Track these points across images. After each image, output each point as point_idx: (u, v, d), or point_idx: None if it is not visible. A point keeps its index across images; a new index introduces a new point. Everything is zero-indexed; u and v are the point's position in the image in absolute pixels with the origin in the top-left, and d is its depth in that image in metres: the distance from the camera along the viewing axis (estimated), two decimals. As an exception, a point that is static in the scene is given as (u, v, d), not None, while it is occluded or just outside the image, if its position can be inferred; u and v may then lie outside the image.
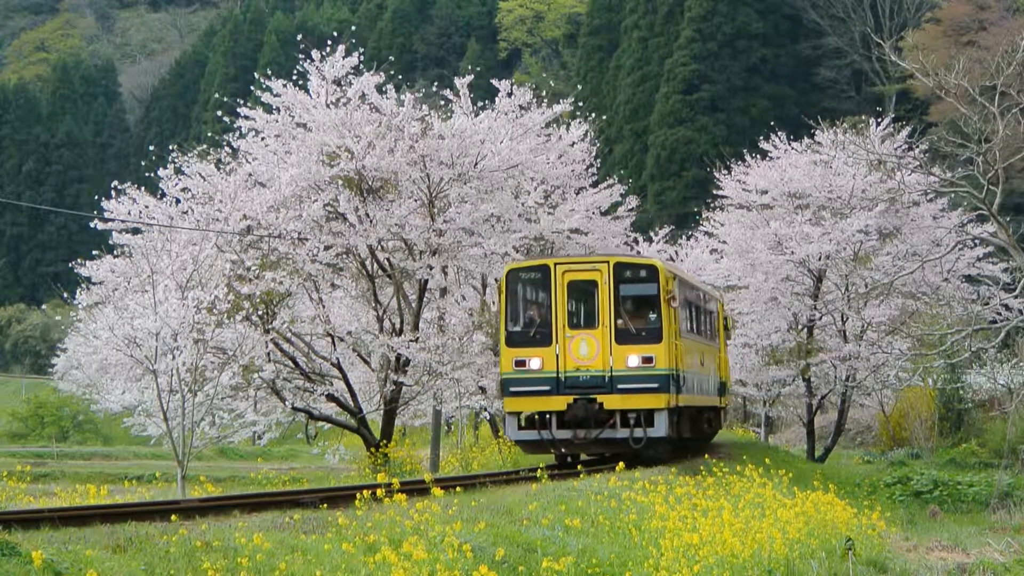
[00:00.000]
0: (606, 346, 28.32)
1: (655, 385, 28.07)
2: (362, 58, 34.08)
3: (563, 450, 28.88)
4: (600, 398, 28.16)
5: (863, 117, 47.87)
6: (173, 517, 13.88)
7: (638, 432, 28.09)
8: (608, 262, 28.68)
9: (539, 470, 22.90)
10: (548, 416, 28.51)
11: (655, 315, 28.61)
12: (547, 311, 28.71)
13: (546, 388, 28.37)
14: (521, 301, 29.27)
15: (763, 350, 46.63)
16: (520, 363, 28.55)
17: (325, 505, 16.28)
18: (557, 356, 28.46)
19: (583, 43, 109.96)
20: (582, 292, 28.91)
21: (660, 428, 28.14)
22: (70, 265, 34.91)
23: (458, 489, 20.56)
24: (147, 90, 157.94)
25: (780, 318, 45.17)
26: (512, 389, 28.65)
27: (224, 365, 29.48)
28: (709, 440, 38.81)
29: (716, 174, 47.02)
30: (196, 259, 28.74)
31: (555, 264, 28.87)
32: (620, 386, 28.15)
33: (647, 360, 28.22)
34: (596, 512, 19.86)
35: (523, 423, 28.82)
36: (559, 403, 28.28)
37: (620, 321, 28.37)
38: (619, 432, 28.09)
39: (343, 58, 33.51)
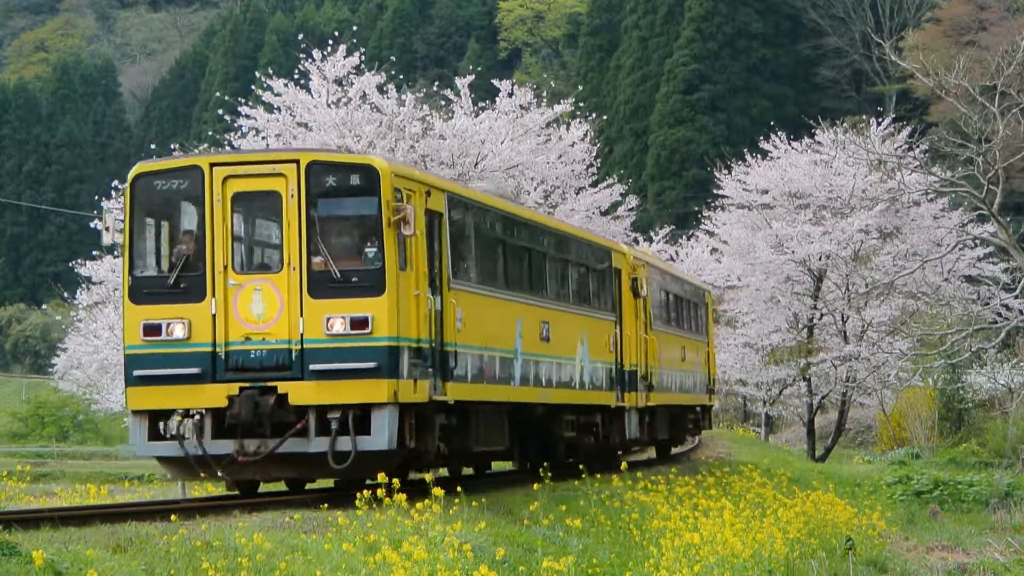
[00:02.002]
0: (294, 301, 18.15)
1: (372, 364, 17.83)
2: (363, 58, 34.10)
3: (220, 473, 18.25)
4: (284, 387, 17.94)
5: (863, 117, 47.93)
6: (173, 517, 13.88)
7: (343, 443, 17.65)
8: (298, 161, 18.47)
9: (541, 470, 22.89)
10: (198, 418, 18.26)
11: (375, 249, 18.30)
12: (198, 244, 18.51)
13: (194, 371, 18.13)
14: (155, 227, 19.25)
15: (763, 350, 46.64)
16: (152, 330, 18.31)
17: (325, 505, 16.28)
18: (214, 318, 18.15)
19: (583, 43, 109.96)
20: (256, 212, 19.13)
21: (381, 435, 17.82)
22: (70, 265, 34.93)
23: (459, 489, 20.56)
24: (147, 90, 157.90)
25: (780, 318, 45.17)
26: (138, 373, 18.32)
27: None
28: (688, 440, 37.60)
29: (716, 174, 47.02)
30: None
31: (211, 165, 18.61)
32: (316, 366, 17.97)
33: (359, 324, 17.97)
34: (597, 512, 19.86)
35: (157, 430, 18.42)
36: (215, 396, 17.99)
37: (318, 260, 18.20)
38: (314, 443, 17.86)
39: (344, 58, 33.53)
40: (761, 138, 47.61)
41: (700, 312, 36.36)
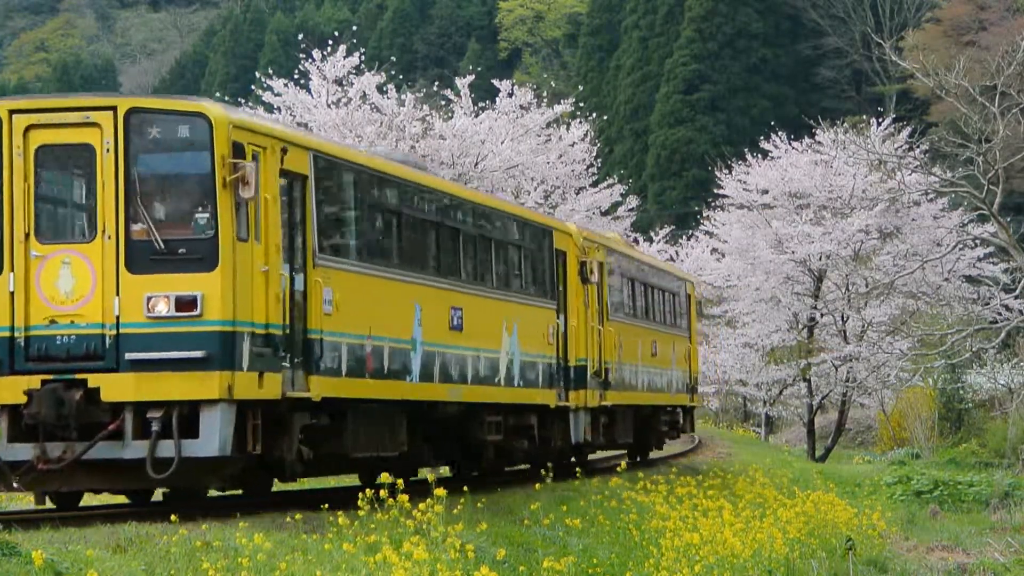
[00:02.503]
0: (109, 276, 15.28)
1: (200, 353, 15.04)
2: (363, 58, 34.12)
3: (16, 485, 15.44)
4: (95, 380, 15.14)
5: (863, 117, 47.98)
6: (173, 517, 13.88)
7: (165, 448, 14.91)
8: (115, 109, 15.55)
9: (542, 471, 22.90)
10: None
11: (207, 216, 15.32)
12: None
13: None
14: None
15: (763, 350, 46.67)
16: None
17: (326, 505, 16.29)
18: (12, 296, 15.33)
19: (583, 43, 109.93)
20: (65, 168, 16.07)
21: (211, 439, 14.94)
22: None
23: (464, 489, 20.56)
24: (147, 90, 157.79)
25: (780, 318, 45.21)
26: None
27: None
28: (668, 443, 35.01)
29: (717, 174, 47.07)
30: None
31: (11, 112, 15.66)
32: (133, 355, 15.15)
33: (186, 304, 15.15)
34: (596, 512, 19.87)
35: None
36: (11, 391, 15.23)
37: (138, 227, 15.33)
38: (131, 448, 15.06)
39: (344, 58, 33.56)
40: (761, 138, 47.65)
41: (679, 304, 33.85)
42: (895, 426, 54.39)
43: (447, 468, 23.53)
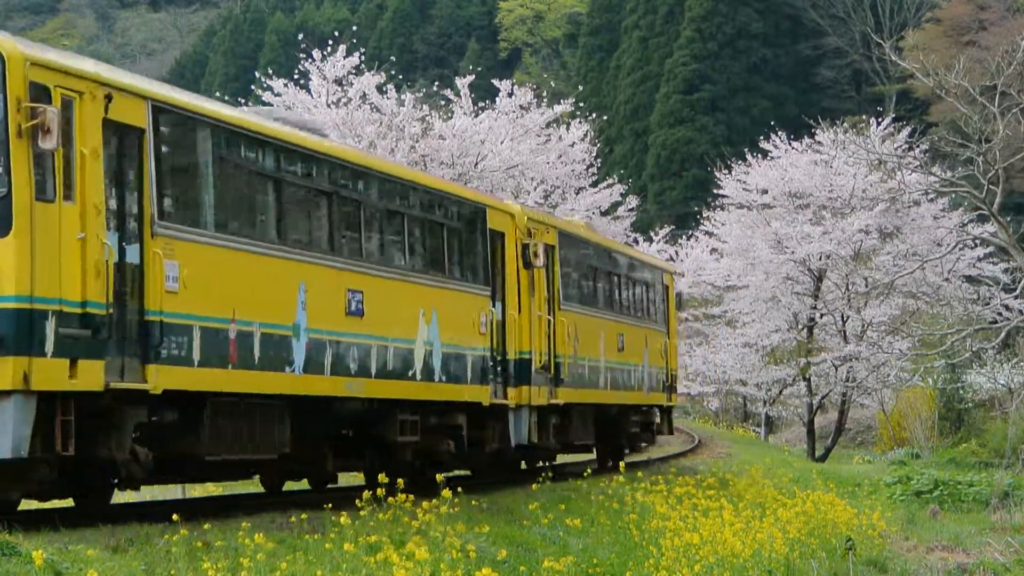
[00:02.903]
0: None
1: None
2: (363, 58, 34.12)
3: None
4: None
5: (863, 117, 47.97)
6: (175, 516, 13.87)
7: None
8: None
9: (540, 471, 22.92)
10: None
11: None
12: None
13: None
14: None
15: (763, 350, 46.69)
16: None
17: (329, 505, 16.29)
18: None
19: (583, 43, 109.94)
20: None
21: (1, 439, 12.70)
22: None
23: (459, 489, 20.57)
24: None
25: (780, 318, 45.23)
26: None
27: None
28: (645, 446, 33.12)
29: (716, 174, 47.09)
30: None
31: None
32: None
33: None
34: (596, 512, 19.87)
35: None
36: None
37: None
38: None
39: (344, 58, 33.57)
40: (761, 138, 47.67)
41: (654, 296, 31.34)
42: (895, 426, 54.40)
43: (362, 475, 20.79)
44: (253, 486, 19.08)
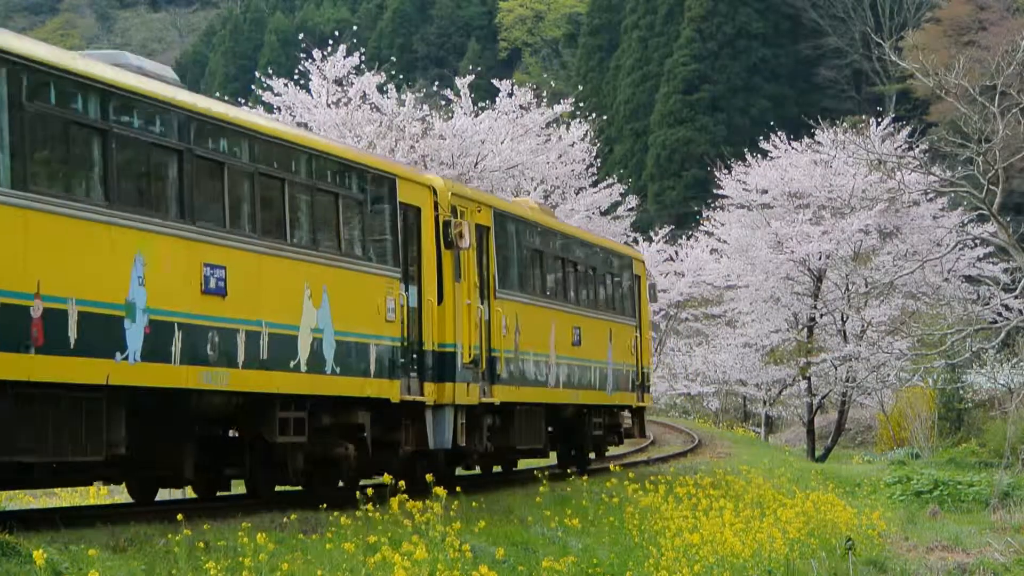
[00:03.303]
0: None
1: None
2: (363, 58, 34.12)
3: None
4: None
5: (863, 117, 47.94)
6: (179, 516, 13.87)
7: None
8: None
9: (537, 471, 22.91)
10: None
11: None
12: None
13: None
14: None
15: (763, 350, 46.70)
16: None
17: (324, 505, 16.29)
18: None
19: (583, 43, 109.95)
20: None
21: None
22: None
23: (458, 489, 20.57)
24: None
25: (780, 318, 45.24)
26: None
27: None
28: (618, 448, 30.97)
29: (716, 174, 47.08)
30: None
31: None
32: None
33: None
34: (596, 512, 19.87)
35: None
36: None
37: None
38: None
39: (344, 58, 33.57)
40: (761, 138, 47.67)
41: (622, 286, 28.69)
42: (895, 426, 54.42)
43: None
44: (240, 487, 18.79)
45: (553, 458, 27.64)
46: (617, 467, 23.96)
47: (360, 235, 18.62)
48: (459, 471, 23.98)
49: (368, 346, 18.07)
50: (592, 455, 28.39)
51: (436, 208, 19.99)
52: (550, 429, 25.44)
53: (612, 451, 31.27)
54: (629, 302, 29.14)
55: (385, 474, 15.35)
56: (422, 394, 19.40)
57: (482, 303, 21.20)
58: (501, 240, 22.17)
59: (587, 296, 26.54)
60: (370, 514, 14.46)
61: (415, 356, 19.31)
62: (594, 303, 26.80)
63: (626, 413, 29.38)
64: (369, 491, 14.48)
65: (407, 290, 19.22)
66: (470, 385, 20.55)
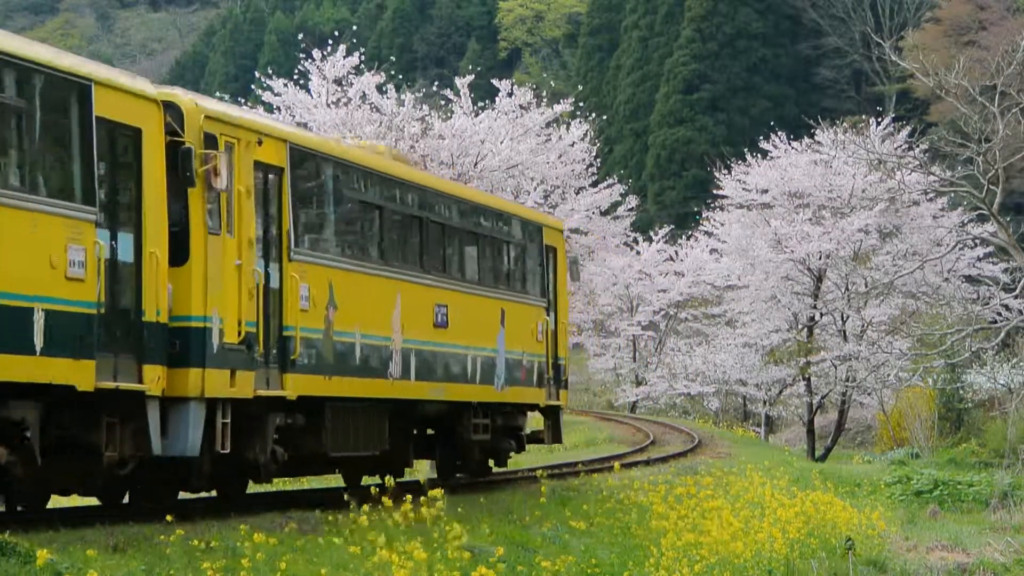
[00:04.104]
0: None
1: None
2: (362, 58, 34.11)
3: None
4: None
5: (863, 117, 47.92)
6: (169, 517, 13.84)
7: None
8: None
9: (538, 471, 22.89)
10: None
11: None
12: None
13: None
14: None
15: (763, 350, 46.69)
16: None
17: (323, 506, 16.29)
18: None
19: (583, 43, 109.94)
20: None
21: None
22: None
23: (459, 490, 20.57)
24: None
25: (780, 318, 45.23)
26: None
27: None
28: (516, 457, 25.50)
29: (716, 174, 47.07)
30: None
31: None
32: None
33: None
34: (595, 512, 19.86)
35: None
36: None
37: None
38: None
39: (343, 58, 33.55)
40: (761, 138, 47.66)
41: (522, 257, 23.72)
42: (895, 426, 54.39)
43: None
44: (255, 486, 18.99)
45: (424, 470, 23.72)
46: (617, 466, 23.88)
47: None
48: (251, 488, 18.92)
49: (32, 314, 13.12)
50: (492, 465, 23.90)
51: (179, 132, 15.15)
52: (430, 433, 22.09)
53: (612, 451, 31.21)
54: (536, 278, 23.99)
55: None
56: (140, 381, 14.52)
57: (267, 266, 16.49)
58: (304, 186, 17.55)
59: (462, 267, 21.60)
60: (370, 514, 14.45)
61: (128, 329, 14.45)
62: (475, 277, 21.83)
63: (525, 414, 24.27)
64: (373, 490, 14.39)
65: (113, 238, 14.34)
66: (238, 373, 15.70)
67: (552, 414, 24.71)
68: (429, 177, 23.03)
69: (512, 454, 24.27)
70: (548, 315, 24.16)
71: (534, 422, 25.14)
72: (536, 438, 24.64)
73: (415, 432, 21.71)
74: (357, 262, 18.49)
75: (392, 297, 19.13)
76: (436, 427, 22.07)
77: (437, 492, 13.93)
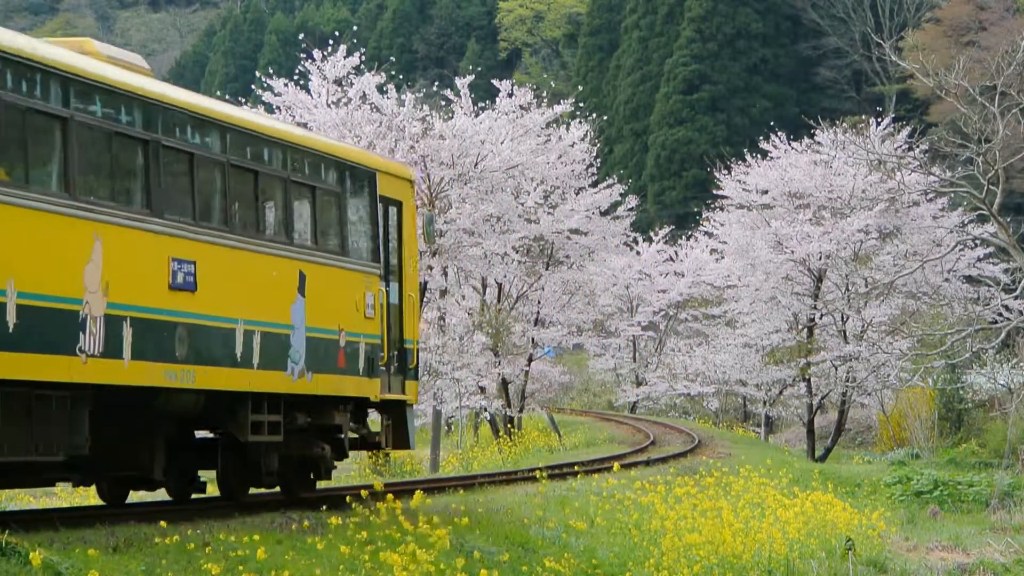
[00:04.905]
0: None
1: None
2: (363, 58, 34.10)
3: None
4: None
5: (863, 117, 47.91)
6: (163, 523, 13.84)
7: None
8: None
9: (538, 471, 22.90)
10: None
11: None
12: None
13: None
14: None
15: (763, 350, 46.69)
16: None
17: (324, 507, 16.28)
18: None
19: (583, 43, 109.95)
20: None
21: None
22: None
23: (459, 491, 20.56)
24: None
25: (780, 318, 45.24)
26: None
27: None
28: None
29: (716, 174, 47.06)
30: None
31: None
32: None
33: None
34: (595, 512, 19.86)
35: None
36: None
37: None
38: None
39: (344, 58, 33.55)
40: (761, 138, 47.66)
41: (341, 208, 17.92)
42: (895, 426, 54.39)
43: None
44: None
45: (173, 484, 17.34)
46: (617, 466, 23.84)
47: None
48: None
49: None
50: (311, 480, 18.43)
51: None
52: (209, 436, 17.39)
53: (612, 451, 31.11)
54: (364, 237, 18.54)
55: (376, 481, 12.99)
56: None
57: None
58: None
59: (227, 213, 16.04)
60: (369, 514, 14.46)
61: None
62: (253, 228, 16.44)
63: (348, 412, 18.16)
64: (364, 492, 14.42)
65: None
66: None
67: (395, 411, 18.93)
68: (180, 92, 16.09)
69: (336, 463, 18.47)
70: (385, 285, 18.63)
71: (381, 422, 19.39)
72: (372, 442, 18.97)
73: (177, 433, 16.56)
74: (14, 191, 13.04)
75: (85, 244, 13.80)
76: (218, 428, 17.05)
77: (419, 495, 13.92)
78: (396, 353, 18.86)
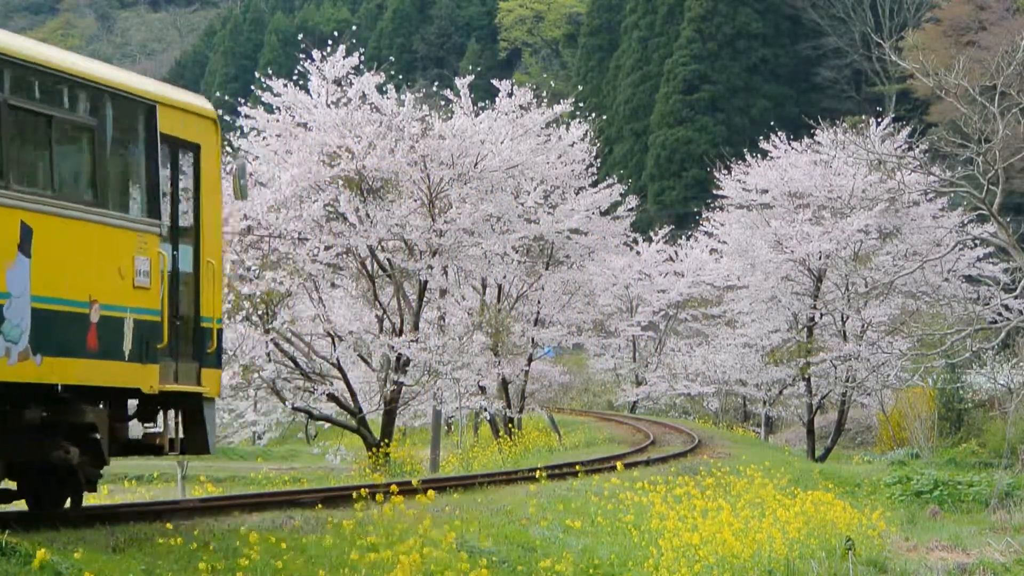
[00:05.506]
0: None
1: None
2: (362, 58, 34.08)
3: None
4: None
5: (863, 117, 47.95)
6: (168, 525, 13.86)
7: None
8: None
9: (538, 471, 22.90)
10: None
11: None
12: None
13: None
14: None
15: (763, 350, 46.70)
16: None
17: (319, 506, 16.28)
18: None
19: (583, 43, 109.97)
20: None
21: None
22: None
23: (459, 490, 20.57)
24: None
25: (780, 318, 45.25)
26: None
27: (224, 364, 29.21)
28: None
29: (716, 174, 47.08)
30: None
31: None
32: None
33: None
34: (595, 512, 19.86)
35: None
36: None
37: None
38: None
39: (343, 58, 33.52)
40: (761, 138, 47.68)
41: (92, 145, 13.92)
42: (895, 426, 54.38)
43: None
44: (254, 486, 18.97)
45: None
46: (620, 465, 23.80)
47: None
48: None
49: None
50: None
51: None
52: None
53: (612, 451, 31.08)
54: (137, 187, 14.61)
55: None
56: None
57: None
58: None
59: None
60: (368, 514, 14.46)
61: None
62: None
63: (104, 408, 14.44)
64: (363, 491, 14.43)
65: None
66: None
67: (189, 406, 15.10)
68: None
69: (100, 471, 14.78)
70: (172, 248, 14.88)
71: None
72: (150, 445, 14.97)
73: None
74: None
75: None
76: None
77: (428, 495, 13.91)
78: (188, 334, 15.00)
